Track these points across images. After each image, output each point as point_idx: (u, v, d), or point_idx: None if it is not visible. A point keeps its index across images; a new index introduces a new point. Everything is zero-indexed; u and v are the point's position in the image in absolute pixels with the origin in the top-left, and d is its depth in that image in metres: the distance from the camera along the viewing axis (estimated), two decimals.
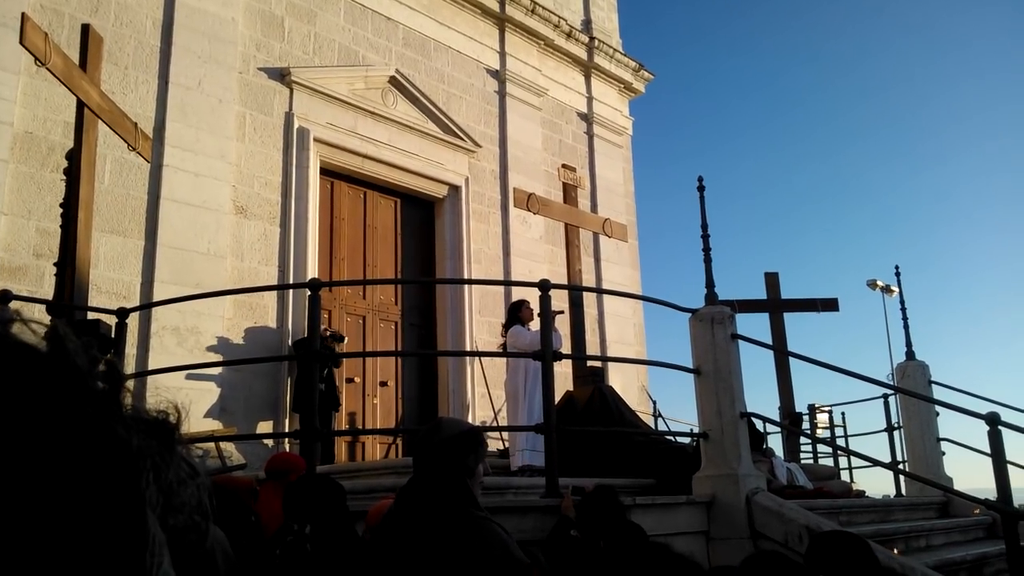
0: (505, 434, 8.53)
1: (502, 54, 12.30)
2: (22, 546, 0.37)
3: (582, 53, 13.50)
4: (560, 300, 8.97)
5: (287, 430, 8.33)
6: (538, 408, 7.01)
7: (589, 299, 11.59)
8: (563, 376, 8.63)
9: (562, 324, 8.89)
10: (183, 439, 0.50)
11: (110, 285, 7.78)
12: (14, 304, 5.20)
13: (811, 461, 10.49)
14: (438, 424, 2.76)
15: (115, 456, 0.42)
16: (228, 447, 7.62)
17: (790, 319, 9.94)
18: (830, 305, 9.96)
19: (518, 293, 10.63)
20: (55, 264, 6.01)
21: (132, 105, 8.00)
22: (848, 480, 9.67)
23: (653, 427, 10.82)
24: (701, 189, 6.43)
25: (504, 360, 10.65)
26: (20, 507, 0.38)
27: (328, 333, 8.75)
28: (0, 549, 0.37)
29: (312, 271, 9.13)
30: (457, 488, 2.51)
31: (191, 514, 0.49)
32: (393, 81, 10.67)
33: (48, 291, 6.57)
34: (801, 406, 10.89)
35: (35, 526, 0.38)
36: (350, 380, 9.68)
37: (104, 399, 0.44)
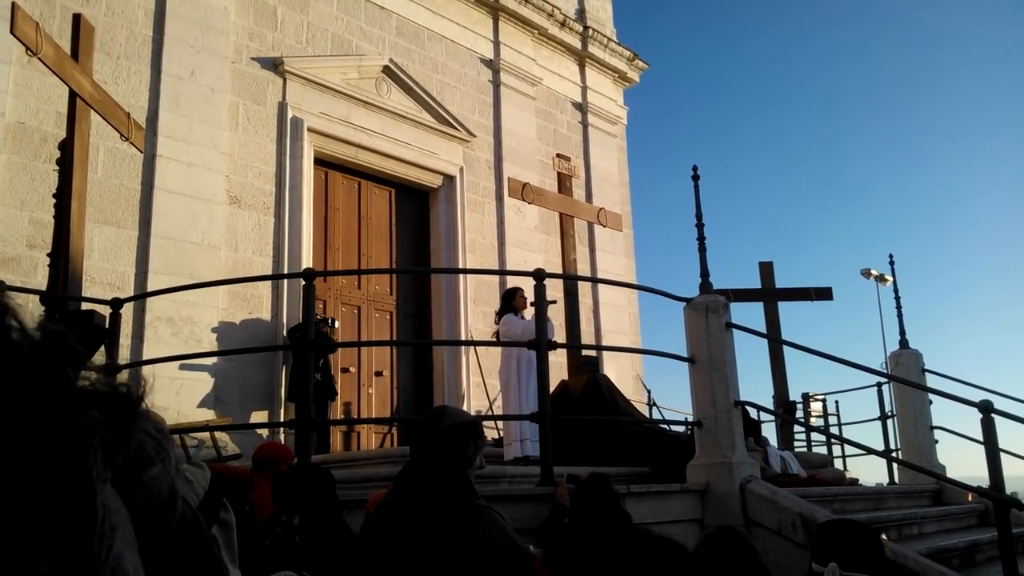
0: (500, 423, 8.55)
1: (496, 43, 12.26)
2: None
3: (576, 42, 13.47)
4: (555, 290, 8.98)
5: (282, 420, 8.33)
6: (533, 397, 7.03)
7: (584, 288, 11.59)
8: (558, 365, 8.65)
9: (556, 313, 8.90)
10: (148, 415, 0.48)
11: (104, 276, 7.76)
12: None
13: (805, 449, 10.53)
14: (441, 413, 2.77)
15: (57, 430, 0.40)
16: (223, 437, 7.62)
17: (784, 308, 9.97)
18: (824, 294, 9.98)
19: (513, 283, 10.64)
20: (48, 255, 5.99)
21: (125, 95, 7.97)
22: (841, 468, 9.71)
23: (648, 416, 10.85)
24: (696, 178, 6.42)
25: (499, 349, 10.68)
26: None
27: (318, 319, 8.74)
28: None
29: (307, 261, 9.12)
30: (457, 477, 2.52)
31: (160, 491, 0.47)
32: (387, 71, 10.63)
33: (42, 282, 6.55)
34: (795, 394, 10.93)
35: None
36: (345, 370, 9.68)
37: (47, 372, 0.42)
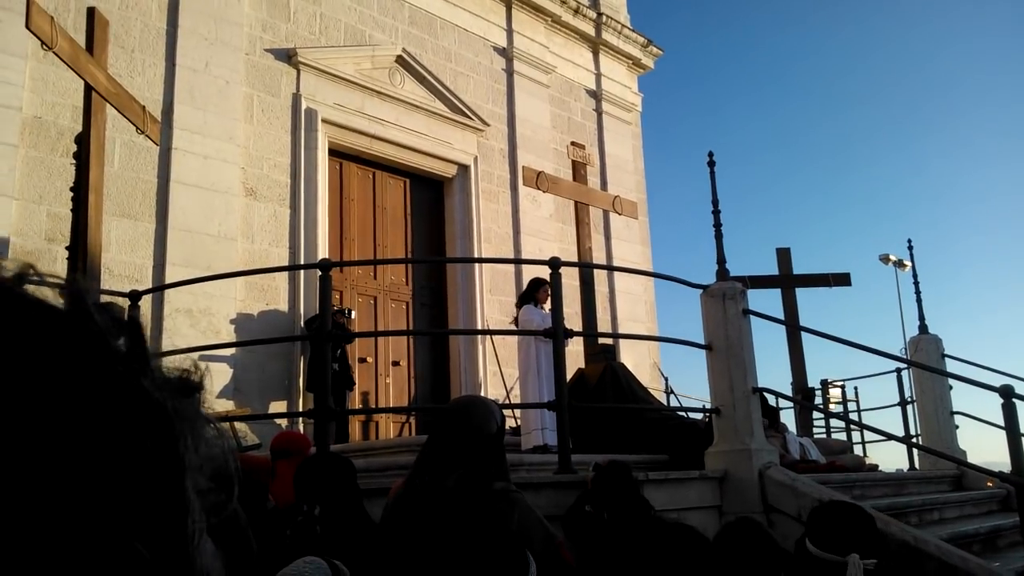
0: (518, 412, 8.56)
1: (509, 31, 12.22)
2: (60, 515, 0.36)
3: (590, 29, 13.40)
4: (571, 278, 8.97)
5: (301, 409, 8.37)
6: (550, 386, 7.05)
7: (600, 277, 11.57)
8: (574, 354, 8.63)
9: (572, 302, 8.90)
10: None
11: (122, 268, 7.81)
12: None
13: (824, 436, 10.49)
14: (469, 411, 2.78)
15: (153, 420, 0.41)
16: (242, 427, 7.67)
17: (802, 294, 9.92)
18: (842, 280, 9.91)
19: (528, 271, 10.63)
20: (67, 248, 6.03)
21: (140, 88, 8.00)
22: (861, 454, 9.67)
23: (665, 403, 10.83)
24: (711, 164, 6.39)
25: (516, 338, 10.69)
26: (52, 479, 0.37)
27: (335, 309, 8.78)
28: (35, 520, 0.36)
29: (322, 252, 9.14)
30: (499, 466, 2.58)
31: (218, 477, 0.48)
32: (400, 60, 10.62)
33: (61, 275, 6.59)
34: (814, 381, 10.88)
35: (70, 495, 0.37)
36: (363, 360, 9.71)
37: (132, 359, 0.43)
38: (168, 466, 0.41)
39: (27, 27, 5.31)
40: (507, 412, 8.79)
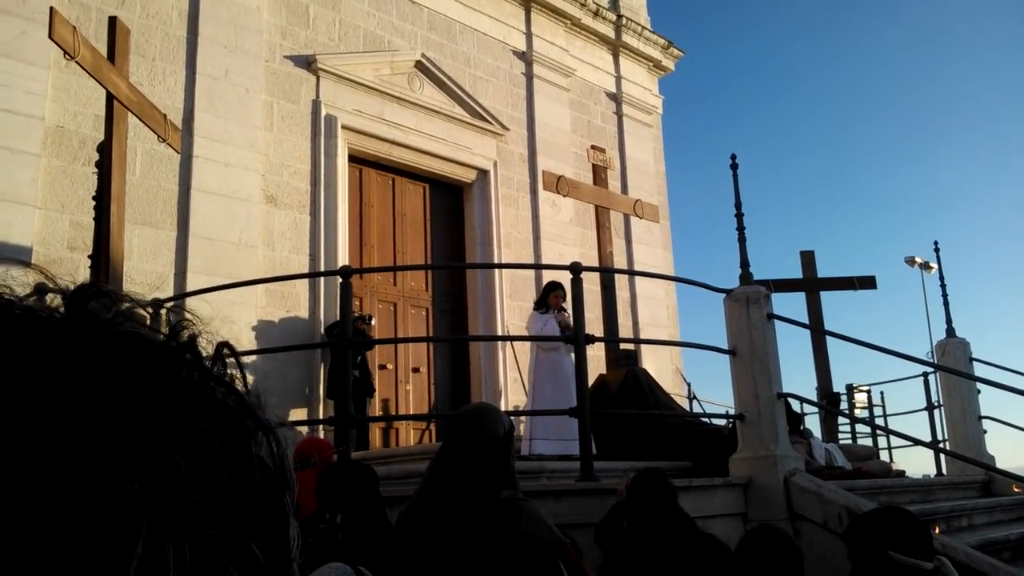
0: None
1: (528, 35, 12.20)
2: (194, 515, 0.40)
3: (610, 32, 13.35)
4: (592, 283, 8.91)
5: (322, 416, 8.37)
6: (544, 397, 7.06)
7: (621, 281, 11.51)
8: (596, 360, 8.57)
9: (593, 308, 8.83)
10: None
11: (144, 276, 7.84)
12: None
13: (850, 441, 10.37)
14: (483, 411, 2.77)
15: (262, 434, 0.46)
16: None
17: (827, 298, 9.80)
18: (867, 283, 9.79)
19: (549, 277, 10.59)
20: (89, 256, 6.06)
21: (160, 96, 8.04)
22: (888, 460, 9.55)
23: (688, 409, 10.75)
24: (734, 167, 6.34)
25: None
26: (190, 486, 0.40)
27: (355, 316, 8.77)
28: (173, 522, 0.39)
29: (343, 259, 9.15)
30: (507, 475, 2.57)
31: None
32: (419, 66, 10.62)
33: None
34: (839, 386, 10.77)
35: (206, 497, 0.41)
36: (383, 367, 9.71)
37: (235, 403, 0.46)
38: (275, 476, 0.45)
39: (50, 37, 5.35)
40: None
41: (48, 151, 7.54)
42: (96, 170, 6.02)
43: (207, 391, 0.44)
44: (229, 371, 0.48)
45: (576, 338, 5.42)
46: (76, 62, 5.50)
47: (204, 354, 0.47)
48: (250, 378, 0.50)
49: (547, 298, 7.64)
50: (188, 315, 0.48)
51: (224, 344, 0.48)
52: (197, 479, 0.40)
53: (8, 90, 7.27)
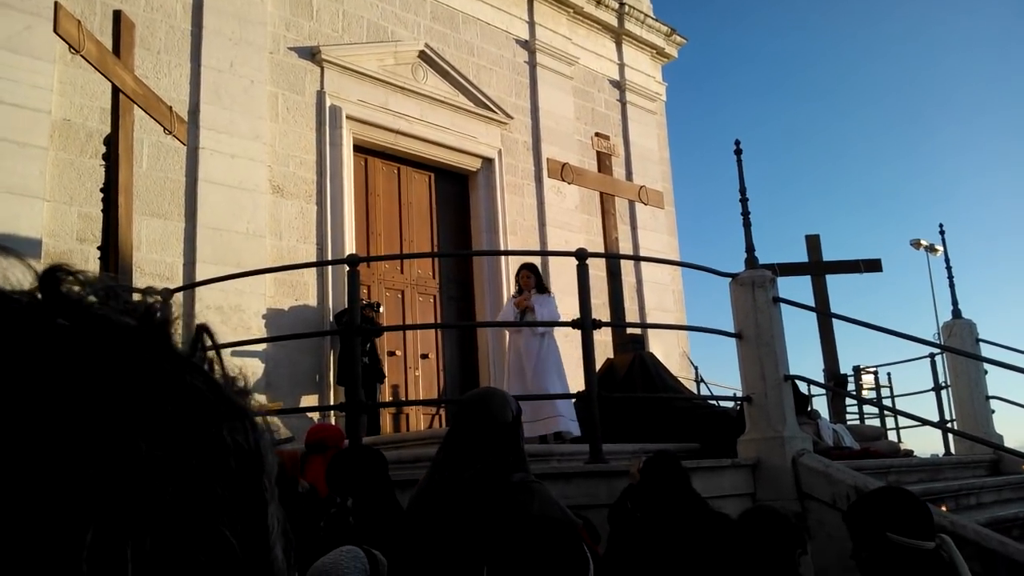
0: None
1: (531, 24, 12.19)
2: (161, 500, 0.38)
3: (612, 20, 13.33)
4: (598, 269, 8.95)
5: (332, 403, 8.43)
6: (512, 382, 7.17)
7: (627, 267, 11.53)
8: (603, 345, 8.60)
9: (600, 293, 8.87)
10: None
11: (153, 267, 7.90)
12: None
13: (857, 422, 10.39)
14: (489, 396, 2.80)
15: (236, 419, 0.44)
16: (274, 421, 7.73)
17: (832, 281, 9.81)
18: (873, 266, 9.79)
19: (555, 263, 10.63)
20: (99, 248, 6.11)
21: (166, 89, 8.08)
22: (896, 440, 9.57)
23: (695, 392, 10.78)
24: (738, 152, 6.35)
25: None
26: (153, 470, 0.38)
27: (364, 303, 8.81)
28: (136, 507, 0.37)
29: (349, 247, 9.19)
30: (518, 458, 2.60)
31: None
32: (423, 56, 10.64)
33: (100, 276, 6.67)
34: (846, 368, 10.79)
35: (172, 481, 0.39)
36: (392, 353, 9.76)
37: (196, 360, 0.45)
38: (250, 461, 0.43)
39: (55, 31, 5.38)
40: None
41: (55, 144, 7.58)
42: (103, 163, 6.06)
43: (175, 376, 0.42)
44: (206, 355, 0.46)
45: (583, 323, 5.46)
46: (81, 56, 5.53)
47: (179, 339, 0.45)
48: (259, 365, 0.50)
49: (518, 280, 7.79)
50: (156, 298, 0.46)
51: (203, 328, 0.46)
52: (162, 466, 0.39)
53: (14, 84, 7.31)
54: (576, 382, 6.80)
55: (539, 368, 7.19)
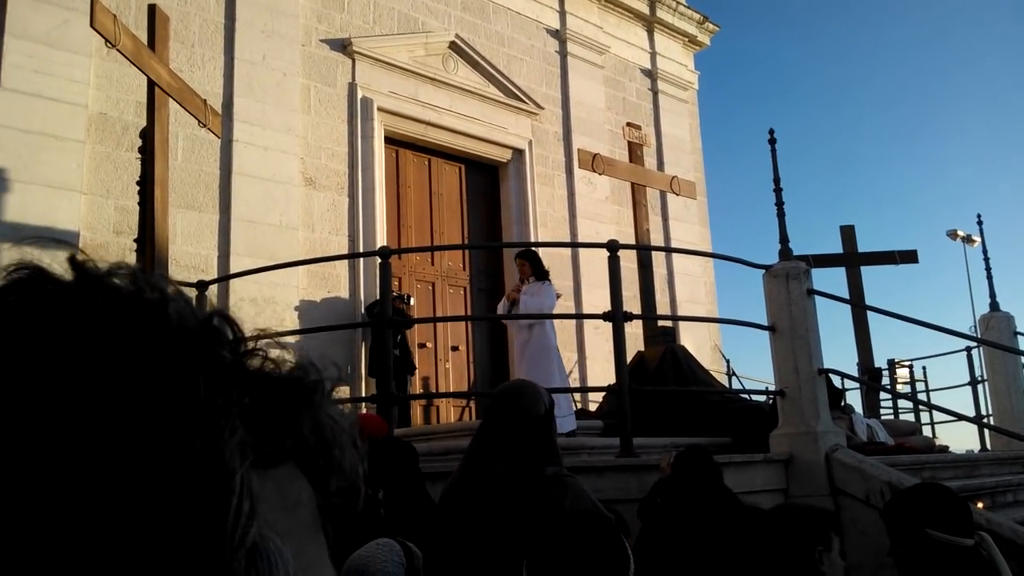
0: (577, 395, 8.57)
1: (562, 13, 12.13)
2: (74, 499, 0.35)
3: (644, 7, 13.23)
4: (629, 261, 8.90)
5: (363, 395, 8.49)
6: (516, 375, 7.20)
7: (658, 259, 11.46)
8: (633, 337, 8.57)
9: (631, 285, 8.83)
10: (331, 400, 0.49)
11: (188, 259, 7.99)
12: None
13: (891, 417, 10.28)
14: (518, 395, 2.79)
15: (189, 409, 0.39)
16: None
17: (867, 273, 9.69)
18: (909, 257, 9.66)
19: (585, 255, 10.60)
20: (135, 240, 6.19)
21: (200, 82, 8.14)
22: (930, 435, 9.46)
23: (727, 386, 10.72)
24: (772, 142, 6.29)
25: (571, 322, 10.67)
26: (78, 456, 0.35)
27: (394, 295, 8.85)
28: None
29: (381, 239, 9.23)
30: (552, 452, 2.60)
31: (350, 478, 0.48)
32: (453, 46, 10.63)
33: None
34: (880, 361, 10.65)
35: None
36: (422, 345, 9.80)
37: (192, 349, 0.42)
38: (201, 459, 0.38)
39: (91, 26, 5.44)
40: (575, 396, 8.82)
41: (92, 138, 7.68)
42: (139, 156, 6.13)
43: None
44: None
45: (614, 316, 5.44)
46: (117, 50, 5.59)
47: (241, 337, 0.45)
48: (291, 357, 0.49)
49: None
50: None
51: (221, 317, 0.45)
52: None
53: (52, 79, 7.41)
54: (607, 375, 6.79)
55: (531, 360, 7.16)
